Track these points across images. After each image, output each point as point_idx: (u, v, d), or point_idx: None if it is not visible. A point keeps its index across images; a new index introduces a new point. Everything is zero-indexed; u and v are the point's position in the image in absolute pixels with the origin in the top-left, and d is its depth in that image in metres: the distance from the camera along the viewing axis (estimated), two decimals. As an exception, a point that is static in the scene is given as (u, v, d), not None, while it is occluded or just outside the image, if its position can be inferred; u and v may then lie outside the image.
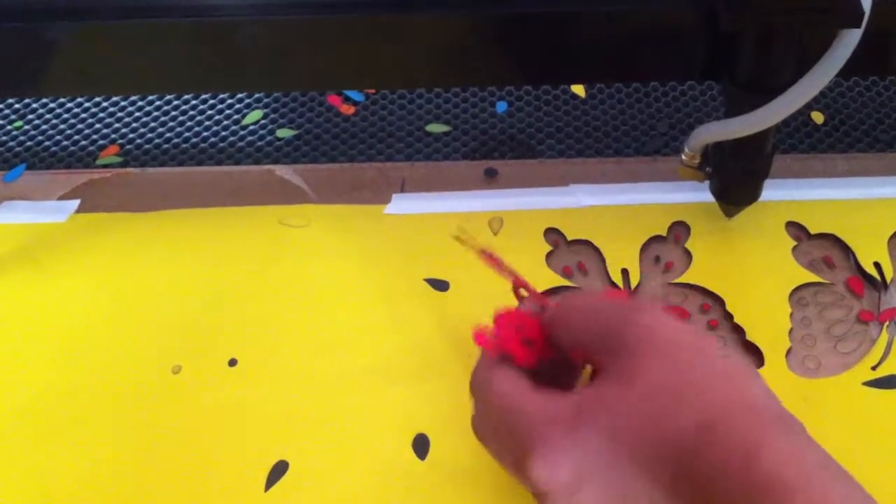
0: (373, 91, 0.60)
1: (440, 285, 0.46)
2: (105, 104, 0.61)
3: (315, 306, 0.45)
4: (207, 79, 0.45)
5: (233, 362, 0.43)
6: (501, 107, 0.59)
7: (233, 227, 0.49)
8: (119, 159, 0.57)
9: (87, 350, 0.44)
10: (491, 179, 0.51)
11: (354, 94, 0.60)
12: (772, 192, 0.47)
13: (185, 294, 0.46)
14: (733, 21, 0.37)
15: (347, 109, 0.59)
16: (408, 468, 0.39)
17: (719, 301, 0.44)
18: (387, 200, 0.50)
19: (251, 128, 0.58)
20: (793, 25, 0.38)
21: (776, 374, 0.41)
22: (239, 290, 0.46)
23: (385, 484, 0.39)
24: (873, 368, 0.42)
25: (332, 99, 0.60)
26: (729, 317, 0.44)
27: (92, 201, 0.51)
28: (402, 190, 0.51)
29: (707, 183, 0.47)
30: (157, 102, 0.61)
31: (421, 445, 0.40)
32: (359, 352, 0.43)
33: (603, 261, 0.46)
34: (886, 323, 0.43)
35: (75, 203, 0.51)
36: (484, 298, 0.45)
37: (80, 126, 0.59)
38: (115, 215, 0.50)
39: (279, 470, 0.39)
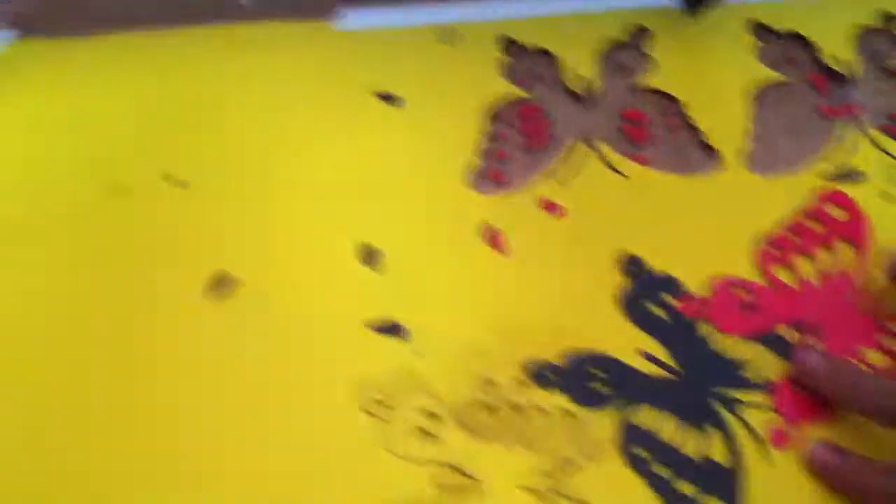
0: None
1: (394, 100, 0.44)
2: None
3: (263, 121, 0.44)
4: None
5: (185, 184, 0.42)
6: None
7: (178, 50, 0.47)
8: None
9: (24, 181, 0.44)
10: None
11: None
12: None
13: (128, 118, 0.45)
14: None
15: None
16: (360, 277, 0.39)
17: (680, 104, 0.43)
18: (334, 14, 0.48)
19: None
20: None
21: (736, 175, 0.41)
22: (185, 113, 0.45)
23: (333, 293, 0.39)
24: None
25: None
26: (689, 119, 0.43)
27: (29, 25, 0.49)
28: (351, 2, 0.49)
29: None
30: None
31: (369, 255, 0.40)
32: (308, 166, 0.43)
33: (560, 69, 0.45)
34: (847, 117, 0.43)
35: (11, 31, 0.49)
36: (441, 115, 0.44)
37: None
38: (55, 42, 0.48)
39: (220, 278, 0.39)
